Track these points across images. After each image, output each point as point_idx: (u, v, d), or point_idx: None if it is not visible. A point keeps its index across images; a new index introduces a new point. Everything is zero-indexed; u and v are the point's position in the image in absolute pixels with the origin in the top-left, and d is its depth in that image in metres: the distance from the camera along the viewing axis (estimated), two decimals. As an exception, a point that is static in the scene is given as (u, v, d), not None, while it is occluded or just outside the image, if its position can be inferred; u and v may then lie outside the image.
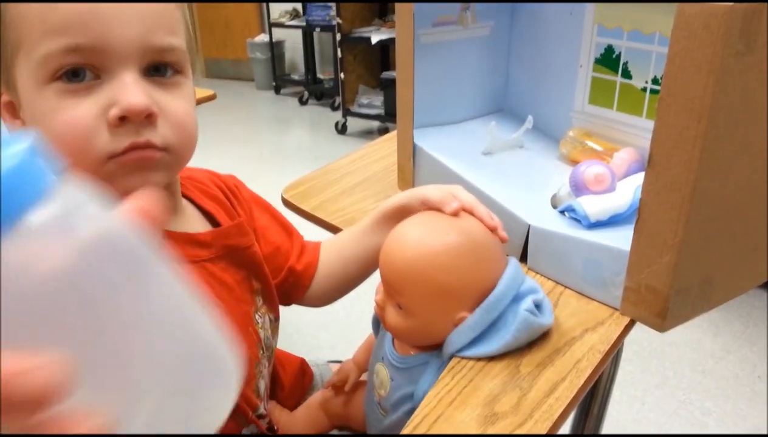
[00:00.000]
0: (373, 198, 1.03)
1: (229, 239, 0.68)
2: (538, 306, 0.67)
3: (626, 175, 0.83)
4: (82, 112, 0.49)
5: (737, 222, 0.68)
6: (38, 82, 0.48)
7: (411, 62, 0.91)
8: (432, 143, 0.97)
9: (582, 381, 0.61)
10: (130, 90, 0.48)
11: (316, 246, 0.84)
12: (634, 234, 0.66)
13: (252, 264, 0.71)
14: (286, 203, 1.02)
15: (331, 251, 0.83)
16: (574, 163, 0.90)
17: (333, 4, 4.12)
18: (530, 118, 0.94)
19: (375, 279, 0.69)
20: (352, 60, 4.21)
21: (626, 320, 0.70)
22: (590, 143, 0.92)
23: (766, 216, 0.71)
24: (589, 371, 0.62)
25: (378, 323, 0.75)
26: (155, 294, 0.27)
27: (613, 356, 0.69)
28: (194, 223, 0.67)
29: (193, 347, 0.29)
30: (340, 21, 4.06)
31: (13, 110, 0.53)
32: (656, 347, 1.90)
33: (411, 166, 0.99)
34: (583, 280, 0.74)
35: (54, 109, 0.49)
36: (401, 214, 0.71)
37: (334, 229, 0.96)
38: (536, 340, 0.66)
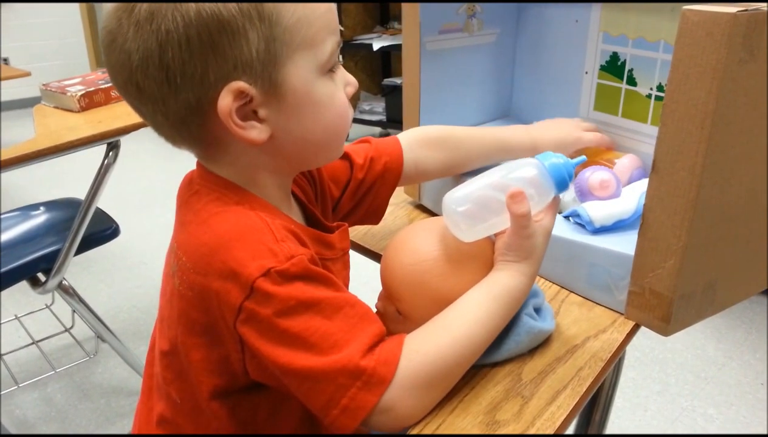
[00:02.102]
0: (374, 204, 1.03)
1: (344, 242, 0.71)
2: (537, 310, 0.67)
3: (629, 181, 0.83)
4: (341, 92, 0.61)
5: (740, 228, 0.68)
6: (319, 73, 0.58)
7: (417, 69, 0.92)
8: None
9: (584, 389, 0.61)
10: (347, 73, 0.63)
11: (395, 153, 0.81)
12: (638, 238, 0.67)
13: (348, 268, 0.74)
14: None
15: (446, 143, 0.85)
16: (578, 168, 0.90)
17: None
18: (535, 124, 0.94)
19: (376, 285, 0.69)
20: (353, 66, 4.22)
21: (628, 327, 0.70)
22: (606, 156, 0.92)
23: None
24: (591, 379, 0.62)
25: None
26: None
27: (615, 363, 0.69)
28: (298, 215, 0.69)
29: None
30: (341, 28, 4.06)
31: (244, 113, 0.55)
32: (658, 354, 1.90)
33: None
34: (588, 285, 0.74)
35: (332, 94, 0.60)
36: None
37: (335, 236, 0.96)
38: (538, 348, 0.66)
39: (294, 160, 0.63)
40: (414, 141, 0.83)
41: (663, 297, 0.66)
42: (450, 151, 0.85)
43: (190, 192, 0.61)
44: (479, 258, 0.64)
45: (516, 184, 0.61)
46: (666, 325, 0.67)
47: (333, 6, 0.59)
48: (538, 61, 1.01)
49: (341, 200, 0.78)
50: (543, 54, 1.00)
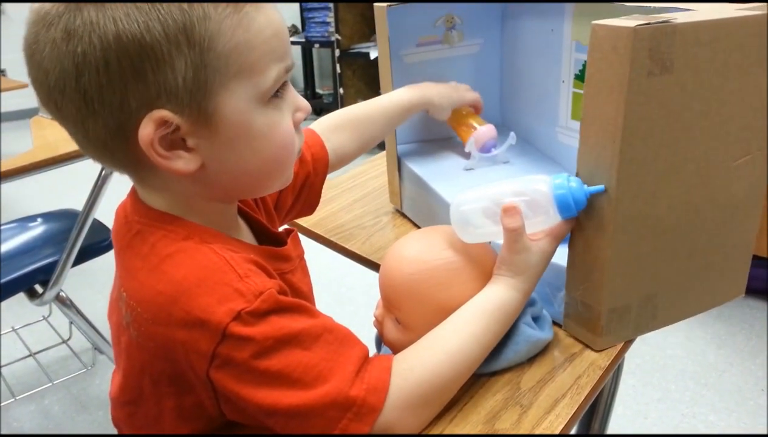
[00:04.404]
0: (372, 214, 1.04)
1: (298, 248, 0.69)
2: (536, 319, 0.67)
3: (482, 148, 0.95)
4: (287, 120, 0.57)
5: (679, 242, 0.67)
6: (260, 102, 0.54)
7: (390, 82, 0.94)
8: (417, 159, 0.99)
9: (582, 397, 0.60)
10: (299, 96, 0.59)
11: (317, 143, 0.82)
12: (568, 251, 0.66)
13: (308, 273, 0.72)
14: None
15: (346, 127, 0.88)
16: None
17: (332, 21, 4.15)
18: (512, 134, 0.94)
19: (375, 294, 0.69)
20: (351, 75, 4.23)
21: (627, 335, 0.69)
22: (473, 122, 0.98)
23: (714, 234, 0.69)
24: (590, 387, 0.62)
25: (380, 341, 0.75)
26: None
27: (613, 371, 0.68)
28: (246, 232, 0.67)
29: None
30: (339, 37, 4.08)
31: (170, 142, 0.52)
32: (658, 360, 1.89)
33: (397, 181, 1.00)
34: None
35: (273, 124, 0.55)
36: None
37: (332, 246, 0.96)
38: (536, 356, 0.66)
39: (231, 190, 0.59)
40: (326, 130, 0.85)
41: (593, 310, 0.66)
42: (359, 129, 0.88)
43: (131, 233, 0.56)
44: (480, 268, 0.64)
45: (521, 197, 0.61)
46: (597, 338, 0.67)
47: (281, 30, 0.55)
48: (522, 71, 1.02)
49: (281, 197, 0.77)
50: (525, 64, 1.01)
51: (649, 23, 0.54)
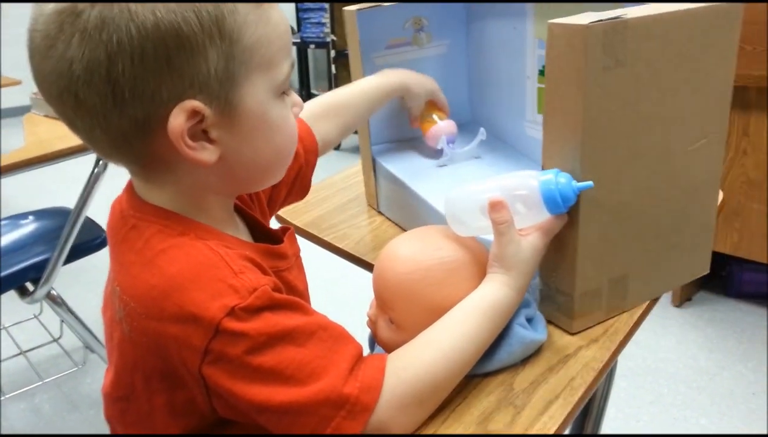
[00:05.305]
0: (365, 214, 1.03)
1: (294, 246, 0.69)
2: (530, 320, 0.67)
3: (440, 143, 0.96)
4: (291, 114, 0.60)
5: (644, 225, 0.70)
6: (274, 94, 0.56)
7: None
8: (391, 158, 1.00)
9: (576, 399, 0.60)
10: (294, 93, 0.61)
11: (308, 135, 0.82)
12: None
13: (303, 271, 0.72)
14: (279, 218, 1.02)
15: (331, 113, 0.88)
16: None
17: (328, 22, 4.15)
18: (482, 130, 0.96)
19: (369, 294, 0.69)
20: (346, 76, 4.21)
21: (620, 337, 0.69)
22: (434, 116, 0.99)
23: (677, 216, 0.72)
24: (583, 389, 0.62)
25: (373, 342, 0.74)
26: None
27: (607, 373, 0.68)
28: (243, 229, 0.67)
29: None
30: (334, 38, 4.08)
31: (196, 132, 0.52)
32: (651, 364, 1.90)
33: (373, 181, 1.02)
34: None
35: (285, 117, 0.58)
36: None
37: (326, 245, 0.96)
38: (530, 357, 0.66)
39: (242, 181, 0.60)
40: (312, 118, 0.84)
41: (566, 295, 0.68)
42: (341, 115, 0.89)
43: (127, 227, 0.56)
44: (474, 268, 0.64)
45: (512, 192, 0.62)
46: (572, 321, 0.69)
47: (288, 27, 0.57)
48: (488, 69, 1.04)
49: (275, 190, 0.77)
50: (491, 62, 1.02)
51: (601, 20, 0.56)
